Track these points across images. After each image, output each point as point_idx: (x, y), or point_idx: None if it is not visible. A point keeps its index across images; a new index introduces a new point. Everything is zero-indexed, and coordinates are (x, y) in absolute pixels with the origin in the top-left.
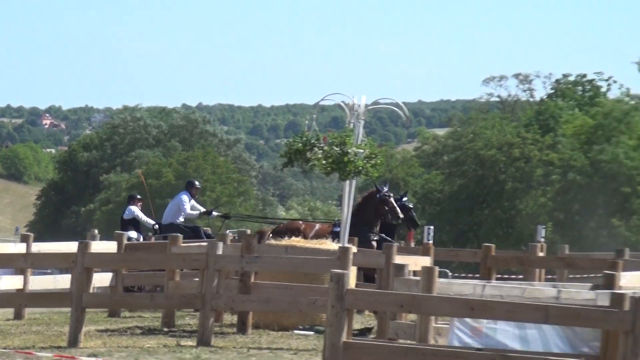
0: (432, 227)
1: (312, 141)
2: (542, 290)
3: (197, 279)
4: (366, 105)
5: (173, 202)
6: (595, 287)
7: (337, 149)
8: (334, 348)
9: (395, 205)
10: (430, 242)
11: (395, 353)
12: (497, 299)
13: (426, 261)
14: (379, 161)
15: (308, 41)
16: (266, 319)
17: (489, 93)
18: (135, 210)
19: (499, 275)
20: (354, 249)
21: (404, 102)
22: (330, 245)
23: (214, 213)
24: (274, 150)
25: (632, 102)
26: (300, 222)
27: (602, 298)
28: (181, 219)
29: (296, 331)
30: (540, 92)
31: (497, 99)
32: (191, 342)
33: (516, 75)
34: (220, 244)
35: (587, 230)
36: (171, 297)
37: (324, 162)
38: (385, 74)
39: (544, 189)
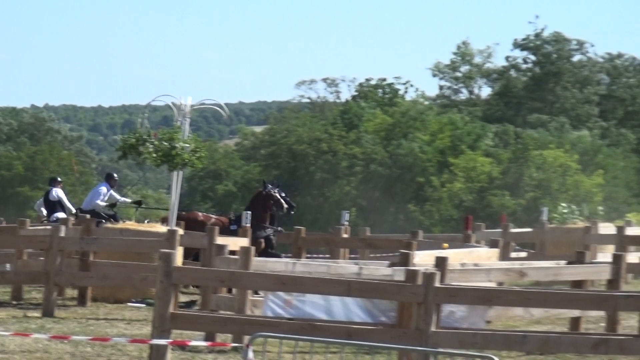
0: (249, 212)
1: (144, 137)
2: (345, 267)
3: (42, 258)
4: (192, 106)
5: (93, 191)
6: (392, 265)
7: (166, 143)
8: (162, 318)
9: (280, 197)
10: (248, 225)
11: (216, 323)
12: (306, 275)
13: (244, 242)
14: (203, 154)
15: (141, 48)
16: (103, 293)
17: (301, 95)
18: (60, 193)
19: (308, 255)
20: (181, 231)
21: (225, 103)
22: (159, 228)
23: (127, 200)
24: (111, 145)
25: (426, 103)
26: (200, 213)
27: (398, 274)
28: (102, 204)
29: (130, 304)
30: (346, 94)
31: (308, 100)
32: (37, 314)
33: (324, 79)
34: (63, 227)
35: (386, 215)
36: (19, 274)
37: (154, 155)
38: (210, 77)
39: (349, 179)
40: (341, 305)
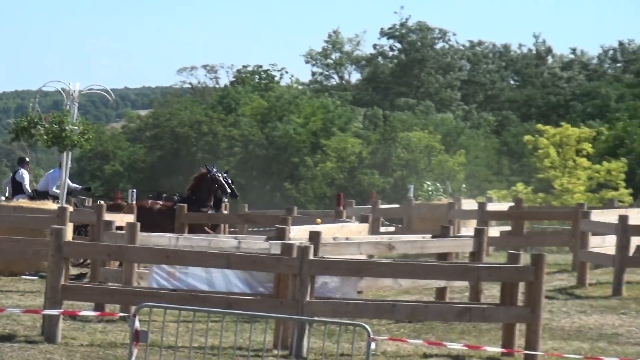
0: (135, 191)
1: (36, 120)
2: (225, 241)
3: None
4: (80, 91)
5: (48, 176)
6: (269, 239)
7: (56, 126)
8: (54, 290)
9: (224, 182)
10: (134, 202)
11: (104, 294)
12: (188, 249)
13: (130, 218)
14: (91, 136)
15: (32, 35)
16: None
17: (183, 81)
18: (25, 175)
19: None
20: (71, 208)
21: (112, 88)
22: (50, 205)
23: (78, 187)
24: (5, 128)
25: (300, 88)
26: (148, 201)
27: (275, 247)
28: (57, 191)
29: (23, 276)
30: (224, 79)
31: (189, 86)
32: None
33: (204, 66)
34: None
35: (264, 193)
36: None
37: (45, 137)
38: (97, 64)
39: (228, 159)
40: (222, 277)
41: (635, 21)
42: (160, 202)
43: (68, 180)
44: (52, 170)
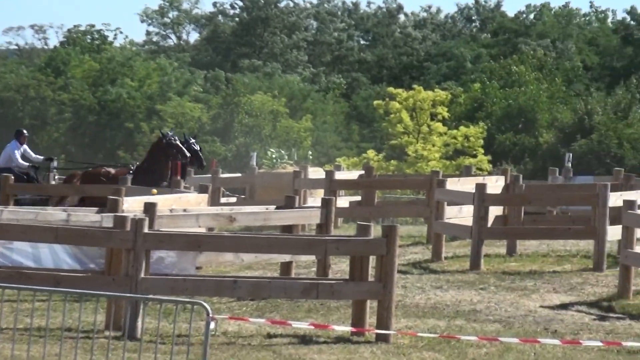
0: None
1: None
2: (53, 214)
3: None
4: None
5: (5, 150)
6: (101, 211)
7: None
8: None
9: (181, 145)
10: None
11: None
12: (13, 222)
13: None
14: None
15: None
16: None
17: (9, 42)
18: None
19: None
20: None
21: None
22: None
23: (40, 157)
24: None
25: (134, 49)
26: (104, 169)
27: (107, 220)
28: (25, 164)
29: None
30: (54, 40)
31: (16, 47)
32: None
33: (32, 26)
34: None
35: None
36: None
37: None
38: None
39: (58, 125)
40: (49, 252)
41: None
42: (113, 170)
43: (29, 151)
44: (10, 143)
